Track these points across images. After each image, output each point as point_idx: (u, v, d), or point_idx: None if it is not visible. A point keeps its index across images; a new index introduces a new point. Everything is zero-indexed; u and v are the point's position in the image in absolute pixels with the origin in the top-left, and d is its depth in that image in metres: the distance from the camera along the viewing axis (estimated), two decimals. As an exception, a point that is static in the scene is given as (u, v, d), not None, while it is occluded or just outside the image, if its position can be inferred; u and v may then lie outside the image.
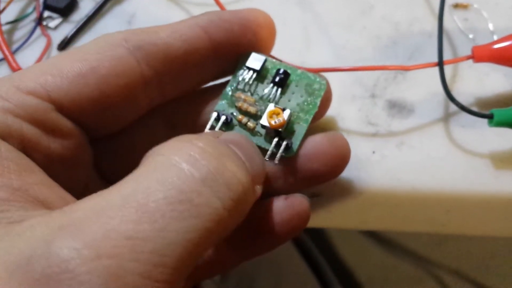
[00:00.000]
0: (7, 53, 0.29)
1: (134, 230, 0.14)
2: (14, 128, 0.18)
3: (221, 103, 0.22)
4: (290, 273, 0.50)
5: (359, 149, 0.26)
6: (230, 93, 0.22)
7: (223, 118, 0.22)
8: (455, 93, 0.25)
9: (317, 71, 0.25)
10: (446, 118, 0.26)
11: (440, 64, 0.25)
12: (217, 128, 0.22)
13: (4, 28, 0.30)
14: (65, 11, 0.31)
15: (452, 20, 0.29)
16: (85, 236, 0.14)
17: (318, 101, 0.22)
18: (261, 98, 0.22)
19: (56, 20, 0.31)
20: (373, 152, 0.26)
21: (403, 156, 0.25)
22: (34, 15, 0.31)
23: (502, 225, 0.26)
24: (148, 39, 0.20)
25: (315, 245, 0.53)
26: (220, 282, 0.46)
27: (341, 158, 0.22)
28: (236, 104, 0.22)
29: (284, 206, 0.21)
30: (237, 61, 0.22)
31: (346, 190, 0.25)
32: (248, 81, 0.22)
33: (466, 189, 0.25)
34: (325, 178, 0.22)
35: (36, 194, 0.16)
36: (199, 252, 0.15)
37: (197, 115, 0.23)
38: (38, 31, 0.31)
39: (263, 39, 0.22)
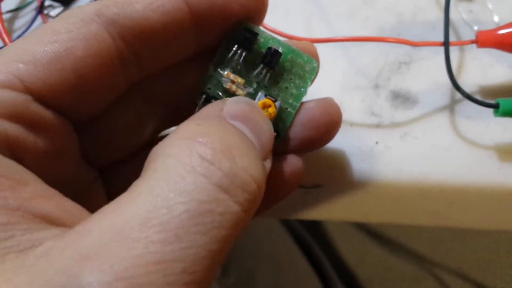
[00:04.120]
0: (7, 41, 0.28)
1: (163, 252, 0.13)
2: None
3: (208, 84, 0.21)
4: (290, 269, 0.50)
5: (362, 140, 0.25)
6: (218, 71, 0.21)
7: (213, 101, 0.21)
8: (460, 84, 0.25)
9: (313, 41, 0.24)
10: (451, 109, 0.26)
11: (446, 43, 0.25)
12: None
13: (5, 16, 0.30)
14: (66, 0, 0.31)
15: (457, 11, 0.29)
16: (114, 267, 0.13)
17: (307, 86, 0.21)
18: (250, 78, 0.21)
19: (57, 9, 0.31)
20: (376, 143, 0.25)
21: (407, 147, 0.25)
22: (35, 4, 0.31)
23: (506, 218, 0.26)
24: (122, 13, 0.18)
25: (315, 241, 0.52)
26: (220, 277, 0.46)
27: (334, 124, 0.22)
28: (224, 85, 0.21)
29: (283, 167, 0.21)
30: (225, 33, 0.21)
31: (349, 182, 0.25)
32: (237, 59, 0.21)
33: (470, 181, 0.25)
34: (318, 144, 0.22)
35: (35, 210, 0.15)
36: (224, 256, 0.15)
37: (179, 90, 0.22)
38: (39, 19, 0.30)
39: (251, 12, 0.20)
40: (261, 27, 0.21)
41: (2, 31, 0.28)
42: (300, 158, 0.22)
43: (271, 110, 0.20)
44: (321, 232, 0.54)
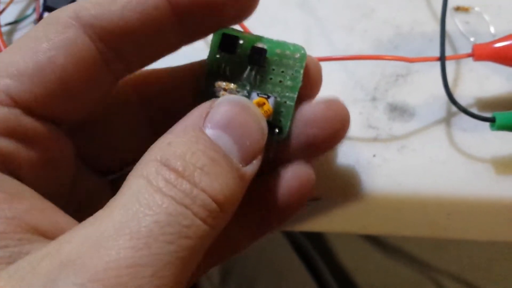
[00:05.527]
0: (6, 54, 0.28)
1: (133, 257, 0.14)
2: None
3: (203, 97, 0.21)
4: (289, 277, 0.50)
5: (360, 152, 0.26)
6: (209, 83, 0.21)
7: None
8: (456, 97, 0.25)
9: None
10: (448, 121, 0.26)
11: (442, 58, 0.25)
12: None
13: (4, 29, 0.30)
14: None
15: (453, 23, 0.29)
16: (88, 271, 0.14)
17: (301, 74, 0.21)
18: (242, 81, 0.21)
19: (56, 22, 0.31)
20: (374, 156, 0.25)
21: (404, 160, 0.25)
22: (34, 16, 0.31)
23: (503, 229, 0.26)
24: (100, 14, 0.18)
25: (315, 249, 0.53)
26: (219, 285, 0.46)
27: (340, 121, 0.21)
28: (218, 95, 0.21)
29: (290, 176, 0.21)
30: (210, 42, 0.21)
31: (347, 194, 0.25)
32: (224, 66, 0.21)
33: (467, 193, 0.25)
34: (324, 146, 0.21)
35: (29, 222, 0.16)
36: (194, 262, 0.16)
37: (174, 95, 0.22)
38: (38, 32, 0.30)
39: (238, 3, 0.19)
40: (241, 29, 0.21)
41: (1, 44, 0.29)
42: (309, 165, 0.21)
43: (266, 107, 0.20)
44: (320, 239, 0.54)
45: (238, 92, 0.21)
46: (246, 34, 0.21)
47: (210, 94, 0.21)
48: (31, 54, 0.18)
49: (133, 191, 0.16)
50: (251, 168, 0.18)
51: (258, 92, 0.21)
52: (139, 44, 0.19)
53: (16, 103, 0.17)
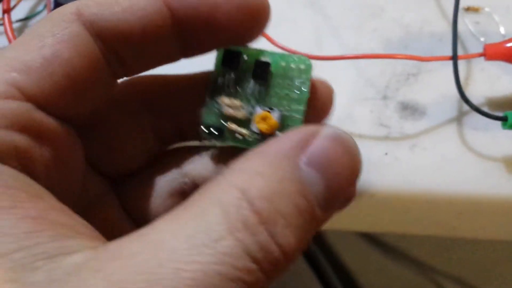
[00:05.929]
0: (17, 50, 0.28)
1: None
2: (6, 142, 0.16)
3: (207, 115, 0.21)
4: (293, 276, 0.50)
5: (371, 151, 0.26)
6: (214, 100, 0.21)
7: (213, 130, 0.20)
8: (467, 96, 0.25)
9: (323, 58, 0.24)
10: (459, 120, 0.26)
11: (455, 58, 0.25)
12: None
13: (15, 25, 0.30)
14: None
15: (463, 23, 0.29)
16: None
17: (307, 86, 0.20)
18: (247, 96, 0.20)
19: (67, 19, 0.31)
20: (386, 154, 0.26)
21: (416, 158, 0.25)
22: (45, 13, 0.31)
23: (513, 229, 0.26)
24: (101, 14, 0.18)
25: (319, 249, 0.53)
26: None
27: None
28: (223, 111, 0.20)
29: None
30: (217, 61, 0.21)
31: (358, 193, 0.25)
32: (228, 82, 0.21)
33: (478, 192, 0.25)
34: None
35: (56, 219, 0.15)
36: None
37: (178, 103, 0.22)
38: (49, 29, 0.30)
39: (241, 23, 0.19)
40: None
41: (13, 40, 0.29)
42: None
43: (271, 122, 0.20)
44: (324, 240, 0.54)
45: (243, 108, 0.20)
46: (249, 48, 0.21)
47: (215, 110, 0.21)
48: (37, 49, 0.17)
49: (203, 221, 0.14)
50: (327, 218, 0.17)
51: (263, 106, 0.20)
52: (137, 49, 0.19)
53: (27, 97, 0.17)
